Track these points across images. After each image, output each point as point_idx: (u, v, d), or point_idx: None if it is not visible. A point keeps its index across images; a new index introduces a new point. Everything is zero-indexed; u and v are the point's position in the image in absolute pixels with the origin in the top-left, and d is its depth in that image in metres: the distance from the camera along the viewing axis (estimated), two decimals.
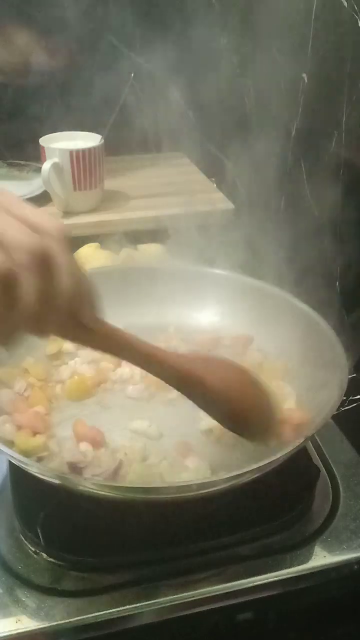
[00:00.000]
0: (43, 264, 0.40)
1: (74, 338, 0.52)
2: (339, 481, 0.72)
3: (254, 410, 0.60)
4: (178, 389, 0.58)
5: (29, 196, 1.13)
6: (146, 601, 0.59)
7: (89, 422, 0.69)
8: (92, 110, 1.19)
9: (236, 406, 0.59)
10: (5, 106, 1.22)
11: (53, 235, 0.41)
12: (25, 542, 0.63)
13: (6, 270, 0.38)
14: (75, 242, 1.02)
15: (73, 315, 0.47)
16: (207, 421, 0.68)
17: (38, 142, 1.10)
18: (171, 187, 1.22)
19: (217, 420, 0.61)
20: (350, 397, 0.86)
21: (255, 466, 0.56)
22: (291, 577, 0.62)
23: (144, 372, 0.61)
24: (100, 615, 0.58)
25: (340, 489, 0.71)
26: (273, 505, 0.65)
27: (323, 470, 0.73)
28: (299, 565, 0.63)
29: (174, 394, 0.69)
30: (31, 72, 1.22)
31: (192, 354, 0.63)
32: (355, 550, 0.64)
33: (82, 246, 1.00)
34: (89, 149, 1.07)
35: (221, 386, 0.57)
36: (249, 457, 0.65)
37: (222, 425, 0.61)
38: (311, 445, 0.76)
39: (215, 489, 0.57)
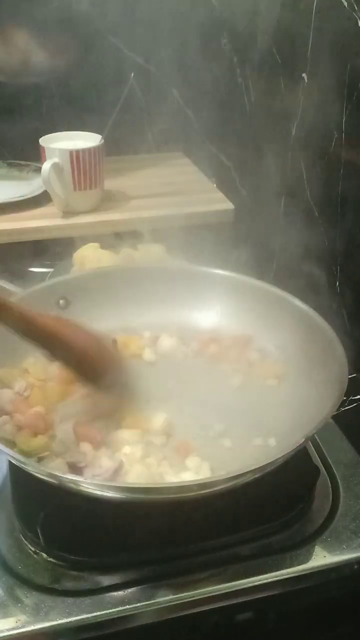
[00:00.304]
0: None
1: None
2: (339, 481, 0.72)
3: (102, 363, 0.69)
4: (43, 347, 0.66)
5: (29, 196, 1.13)
6: (146, 601, 0.59)
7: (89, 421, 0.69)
8: (92, 110, 1.20)
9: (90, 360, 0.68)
10: (6, 106, 1.22)
11: None
12: (25, 542, 0.63)
13: None
14: (75, 242, 1.02)
15: None
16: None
17: (38, 142, 1.10)
18: (171, 187, 1.22)
19: (72, 372, 0.70)
20: (350, 397, 0.86)
21: (255, 466, 0.56)
22: (291, 577, 0.62)
23: None
24: (100, 615, 0.58)
25: (340, 489, 0.71)
26: (273, 505, 0.65)
27: (323, 470, 0.73)
28: (299, 565, 0.63)
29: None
30: (31, 72, 1.22)
31: (50, 317, 0.68)
32: (355, 550, 0.64)
33: (82, 246, 1.00)
34: (89, 149, 1.07)
35: (80, 343, 0.67)
36: (249, 457, 0.65)
37: (75, 376, 0.70)
38: (311, 445, 0.76)
39: (215, 489, 0.57)
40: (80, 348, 0.67)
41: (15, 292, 0.80)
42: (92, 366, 0.69)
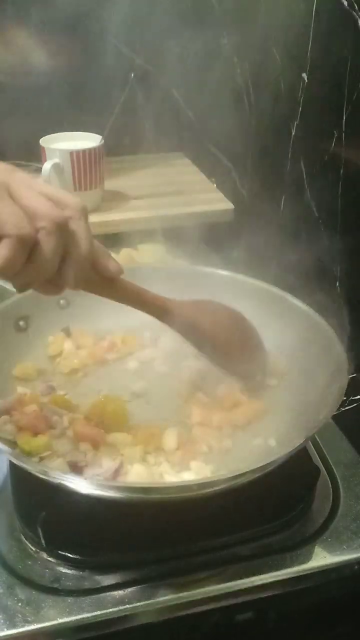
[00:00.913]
0: (64, 231, 0.51)
1: (95, 289, 0.62)
2: (339, 481, 0.72)
3: (240, 349, 0.72)
4: (172, 327, 0.69)
5: None
6: (146, 601, 0.59)
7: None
8: (92, 110, 1.19)
9: (225, 345, 0.71)
10: (6, 106, 1.22)
11: (72, 208, 0.52)
12: (26, 541, 0.63)
13: (27, 234, 0.48)
14: None
15: (93, 270, 0.58)
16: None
17: (38, 143, 1.10)
18: (171, 187, 1.22)
19: (210, 359, 0.72)
20: (350, 397, 0.86)
21: (255, 466, 0.56)
22: (291, 577, 0.62)
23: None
24: (100, 615, 0.58)
25: (341, 489, 0.71)
26: (273, 505, 0.66)
27: (323, 470, 0.73)
28: (299, 565, 0.63)
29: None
30: (31, 72, 1.22)
31: (189, 301, 0.70)
32: (355, 550, 0.64)
33: None
34: (89, 149, 1.07)
35: (212, 328, 0.70)
36: (249, 457, 0.65)
37: (213, 363, 0.72)
38: (311, 445, 0.76)
39: (215, 489, 0.57)
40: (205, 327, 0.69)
41: (15, 292, 0.79)
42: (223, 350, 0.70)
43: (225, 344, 0.71)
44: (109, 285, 0.62)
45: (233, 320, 0.73)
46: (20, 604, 0.58)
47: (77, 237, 0.53)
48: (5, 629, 0.56)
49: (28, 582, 0.60)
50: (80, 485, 0.57)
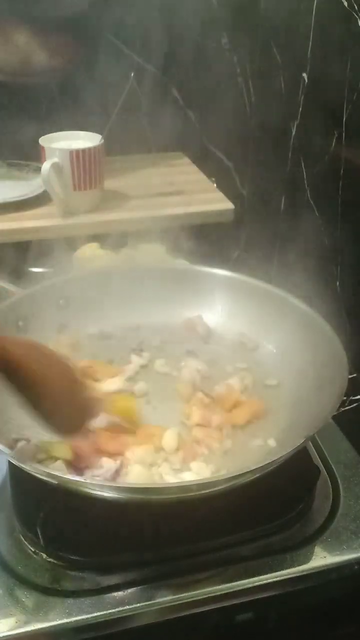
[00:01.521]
0: None
1: None
2: (339, 481, 0.72)
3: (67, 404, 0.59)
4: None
5: (29, 196, 1.13)
6: (146, 601, 0.59)
7: None
8: (92, 110, 1.19)
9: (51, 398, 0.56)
10: (5, 106, 1.22)
11: None
12: (25, 542, 0.63)
13: None
14: (75, 242, 1.02)
15: None
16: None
17: (38, 142, 1.10)
18: (171, 187, 1.22)
19: (30, 409, 0.57)
20: (351, 397, 0.86)
21: (255, 466, 0.56)
22: (291, 578, 0.62)
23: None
24: (100, 615, 0.58)
25: (341, 489, 0.71)
26: (273, 505, 0.65)
27: (323, 470, 0.73)
28: (299, 565, 0.63)
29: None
30: (31, 71, 1.22)
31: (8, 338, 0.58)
32: (355, 550, 0.64)
33: (82, 246, 1.00)
34: (89, 149, 1.07)
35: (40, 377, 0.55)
36: (249, 457, 0.65)
37: (33, 415, 0.57)
38: (311, 445, 0.76)
39: (215, 489, 0.57)
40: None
41: (15, 292, 0.80)
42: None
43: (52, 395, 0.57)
44: None
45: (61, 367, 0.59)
46: (19, 605, 0.58)
47: None
48: (5, 630, 0.56)
49: (27, 583, 0.60)
50: (80, 485, 0.57)
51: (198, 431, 0.69)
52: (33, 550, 0.63)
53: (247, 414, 0.71)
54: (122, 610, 0.58)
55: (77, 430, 0.61)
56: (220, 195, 1.21)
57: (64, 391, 0.58)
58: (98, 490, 0.56)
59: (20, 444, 0.64)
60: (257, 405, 0.72)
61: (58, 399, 0.58)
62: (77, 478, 0.57)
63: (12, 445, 0.63)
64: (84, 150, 1.07)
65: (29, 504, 0.64)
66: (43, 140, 1.10)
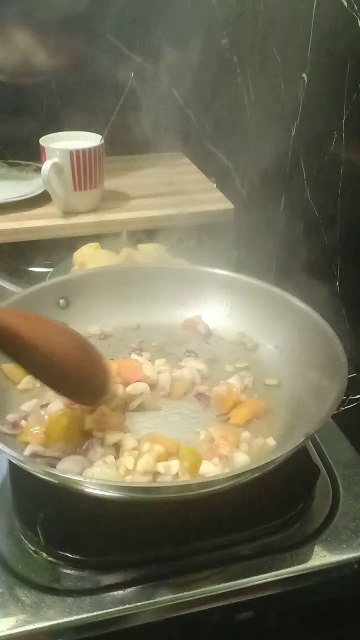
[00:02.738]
0: None
1: None
2: (339, 481, 0.72)
3: (82, 373, 0.62)
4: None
5: (29, 196, 1.13)
6: (146, 601, 0.59)
7: None
8: (92, 110, 1.20)
9: (65, 369, 0.60)
10: (6, 106, 1.22)
11: None
12: (25, 541, 0.63)
13: None
14: (75, 242, 1.02)
15: None
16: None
17: (38, 142, 1.10)
18: (171, 187, 1.22)
19: (43, 382, 0.63)
20: (350, 397, 0.86)
21: (255, 466, 0.56)
22: (291, 577, 0.62)
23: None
24: (100, 614, 0.58)
25: (340, 488, 0.71)
26: (273, 504, 0.65)
27: (323, 469, 0.73)
28: (299, 564, 0.63)
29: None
30: (31, 71, 1.22)
31: (15, 311, 0.60)
32: (355, 549, 0.64)
33: (82, 246, 1.00)
34: (89, 149, 1.07)
35: (47, 347, 0.58)
36: (250, 457, 0.65)
37: (49, 387, 0.63)
38: (311, 444, 0.76)
39: (215, 488, 0.57)
40: (62, 357, 0.59)
41: (15, 292, 0.80)
42: (77, 379, 0.62)
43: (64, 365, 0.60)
44: None
45: (70, 338, 0.63)
46: (20, 604, 0.58)
47: None
48: (5, 629, 0.56)
49: (28, 582, 0.60)
50: (80, 485, 0.57)
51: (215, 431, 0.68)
52: (33, 549, 0.63)
53: (248, 414, 0.71)
54: (122, 609, 0.58)
55: (96, 396, 0.65)
56: (220, 195, 1.21)
57: (73, 359, 0.61)
58: (98, 490, 0.56)
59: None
60: (257, 405, 0.72)
61: (68, 368, 0.60)
62: (77, 478, 0.57)
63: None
64: (84, 150, 1.07)
65: (29, 503, 0.64)
66: (43, 140, 1.10)
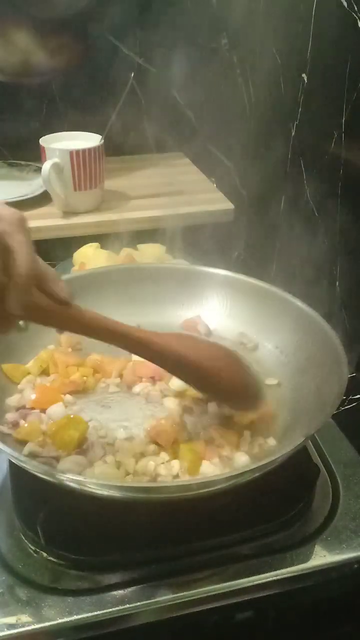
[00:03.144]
0: None
1: (47, 318, 0.54)
2: (339, 481, 0.72)
3: (227, 382, 0.65)
4: (154, 362, 0.64)
5: (29, 196, 1.13)
6: (146, 600, 0.59)
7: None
8: (92, 110, 1.20)
9: (213, 377, 0.64)
10: (6, 106, 1.22)
11: (7, 221, 0.46)
12: (26, 541, 0.63)
13: None
14: (75, 242, 1.02)
15: (41, 294, 0.50)
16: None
17: (38, 142, 1.10)
18: (171, 187, 1.22)
19: (199, 390, 0.69)
20: (350, 397, 0.86)
21: (255, 466, 0.57)
22: (291, 577, 0.63)
23: None
24: (100, 614, 0.58)
25: (340, 488, 0.71)
26: (273, 504, 0.66)
27: (323, 469, 0.73)
28: (299, 564, 0.63)
29: None
30: (31, 72, 1.22)
31: (163, 333, 0.63)
32: (355, 549, 0.64)
33: (82, 246, 1.00)
34: (89, 149, 1.07)
35: (195, 357, 0.63)
36: (250, 457, 0.65)
37: (206, 395, 0.70)
38: (311, 444, 0.76)
39: (215, 488, 0.57)
40: (204, 366, 0.63)
41: None
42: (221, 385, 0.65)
43: (215, 376, 0.65)
44: (64, 313, 0.54)
45: (221, 351, 0.68)
46: (20, 604, 0.58)
47: (16, 254, 0.45)
48: (5, 629, 0.56)
49: (28, 582, 0.60)
50: (80, 485, 0.57)
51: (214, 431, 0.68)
52: (33, 549, 0.63)
53: (253, 415, 0.70)
54: (122, 609, 0.58)
55: (254, 404, 0.68)
56: (220, 195, 1.21)
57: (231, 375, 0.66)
58: (98, 490, 0.56)
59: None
60: (265, 408, 0.71)
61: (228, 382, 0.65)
62: (77, 477, 0.57)
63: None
64: (84, 151, 1.07)
65: (29, 503, 0.64)
66: (43, 141, 1.10)
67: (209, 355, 0.65)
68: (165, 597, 0.59)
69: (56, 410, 0.70)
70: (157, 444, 0.66)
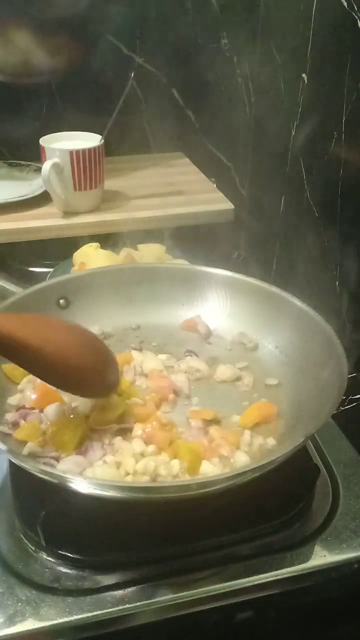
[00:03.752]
0: None
1: None
2: (339, 480, 0.72)
3: (86, 368, 0.62)
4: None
5: (29, 196, 1.13)
6: (146, 600, 0.59)
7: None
8: (92, 110, 1.19)
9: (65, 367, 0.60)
10: (6, 106, 1.22)
11: None
12: (26, 541, 0.63)
13: None
14: (75, 242, 1.02)
15: None
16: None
17: (38, 142, 1.10)
18: (171, 187, 1.22)
19: (49, 383, 0.64)
20: (350, 397, 0.86)
21: (255, 466, 0.57)
22: (291, 577, 0.62)
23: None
24: (100, 614, 0.58)
25: (340, 488, 0.71)
26: (273, 504, 0.66)
27: (323, 469, 0.73)
28: (299, 564, 0.63)
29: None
30: (31, 72, 1.22)
31: (14, 316, 0.60)
32: (355, 549, 0.64)
33: (82, 246, 1.00)
34: (89, 149, 1.07)
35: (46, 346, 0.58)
36: (249, 457, 0.65)
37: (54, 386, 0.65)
38: (311, 444, 0.76)
39: (215, 488, 0.57)
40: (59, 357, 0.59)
41: (15, 292, 0.80)
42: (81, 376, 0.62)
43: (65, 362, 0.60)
44: None
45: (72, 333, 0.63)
46: (20, 604, 0.58)
47: None
48: (5, 629, 0.56)
49: (28, 582, 0.60)
50: (80, 485, 0.57)
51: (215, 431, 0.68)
52: (33, 549, 0.63)
53: (257, 417, 0.70)
54: (122, 609, 0.58)
55: (106, 390, 0.66)
56: (220, 195, 1.21)
57: (80, 358, 0.61)
58: (98, 490, 0.56)
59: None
60: (268, 409, 0.71)
61: (75, 367, 0.61)
62: (78, 477, 0.57)
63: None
64: (84, 151, 1.07)
65: (29, 503, 0.64)
66: (43, 141, 1.10)
67: (74, 346, 0.61)
68: (165, 597, 0.59)
69: (52, 409, 0.69)
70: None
